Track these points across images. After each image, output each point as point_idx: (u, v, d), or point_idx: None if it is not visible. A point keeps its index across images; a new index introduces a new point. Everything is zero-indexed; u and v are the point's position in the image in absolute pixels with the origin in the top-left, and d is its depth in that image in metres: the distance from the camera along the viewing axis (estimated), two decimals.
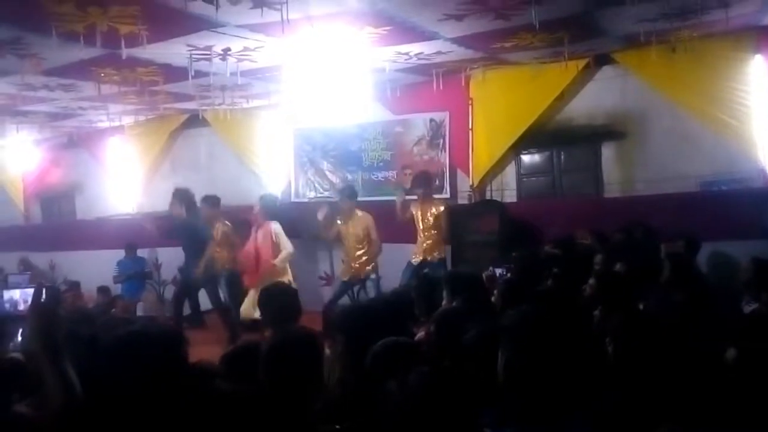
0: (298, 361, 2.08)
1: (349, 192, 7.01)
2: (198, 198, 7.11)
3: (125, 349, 1.90)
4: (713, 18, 5.70)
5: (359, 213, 6.83)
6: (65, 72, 6.45)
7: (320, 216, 6.86)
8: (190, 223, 6.94)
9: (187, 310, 7.56)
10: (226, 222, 7.19)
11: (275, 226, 6.69)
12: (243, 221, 7.28)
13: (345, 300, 6.93)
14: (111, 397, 1.80)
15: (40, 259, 10.38)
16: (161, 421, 1.68)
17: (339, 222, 6.88)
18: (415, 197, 6.88)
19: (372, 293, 6.77)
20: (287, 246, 6.62)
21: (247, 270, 6.82)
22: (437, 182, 8.12)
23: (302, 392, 2.02)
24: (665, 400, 2.11)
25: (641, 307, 3.57)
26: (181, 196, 7.02)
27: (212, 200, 7.17)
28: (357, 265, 6.83)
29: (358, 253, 6.83)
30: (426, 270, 6.44)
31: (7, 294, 4.53)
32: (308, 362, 2.10)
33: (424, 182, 6.92)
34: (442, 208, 6.76)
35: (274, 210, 6.93)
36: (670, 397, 2.12)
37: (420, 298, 3.58)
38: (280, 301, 3.35)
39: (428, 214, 6.73)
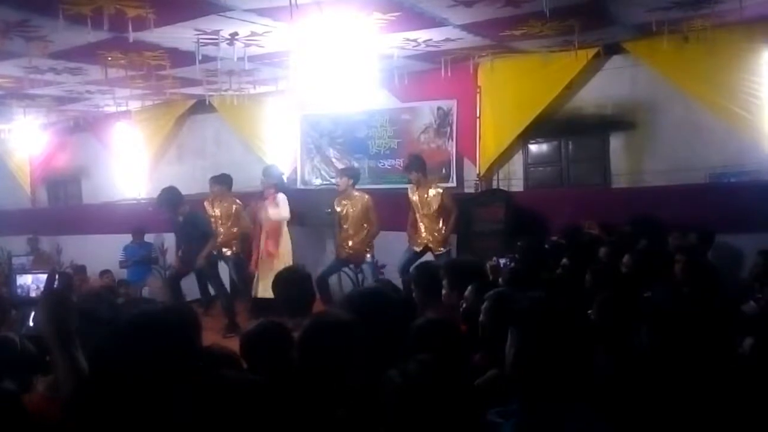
0: (336, 345, 2.07)
1: (350, 172, 7.00)
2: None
3: (137, 331, 1.90)
4: (727, 8, 5.63)
5: (357, 193, 6.83)
6: (72, 55, 6.43)
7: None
8: (185, 221, 6.90)
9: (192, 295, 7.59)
10: (237, 200, 7.26)
11: (280, 196, 6.78)
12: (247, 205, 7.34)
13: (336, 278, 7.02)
14: (121, 380, 1.80)
15: (47, 243, 10.42)
16: (169, 406, 1.67)
17: (336, 202, 6.89)
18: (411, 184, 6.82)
19: (369, 277, 6.81)
20: (286, 212, 6.74)
21: (256, 247, 6.91)
22: (444, 170, 8.10)
23: (334, 378, 2.01)
24: (676, 391, 2.10)
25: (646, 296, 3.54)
26: (163, 200, 6.94)
27: (223, 179, 7.25)
28: (354, 245, 6.81)
29: (356, 232, 6.82)
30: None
31: (20, 279, 4.53)
32: (345, 347, 2.09)
33: (417, 165, 6.77)
34: (440, 190, 6.68)
35: (281, 180, 7.03)
36: (681, 388, 2.11)
37: (419, 288, 3.54)
38: (296, 287, 3.32)
39: (426, 198, 6.65)
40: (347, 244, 6.88)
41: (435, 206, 6.62)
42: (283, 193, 7.03)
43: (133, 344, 1.77)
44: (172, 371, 1.72)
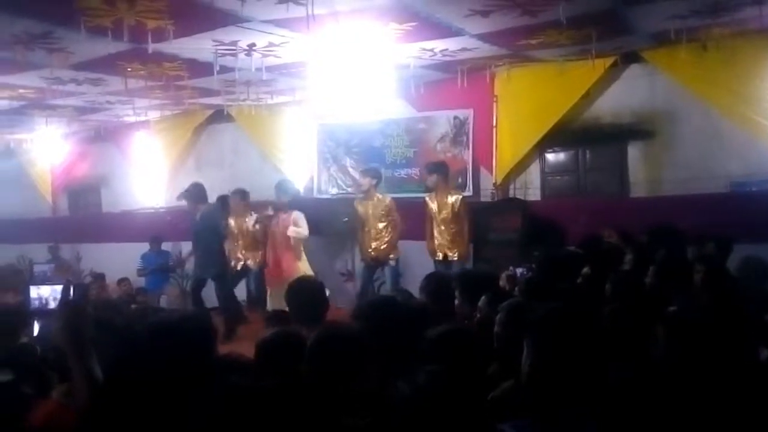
0: (344, 357, 2.06)
1: (373, 172, 6.95)
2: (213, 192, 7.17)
3: (152, 339, 1.91)
4: (746, 15, 5.58)
5: (379, 195, 6.79)
6: (93, 66, 6.53)
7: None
8: (201, 219, 6.92)
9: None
10: (253, 213, 7.29)
11: (296, 213, 6.71)
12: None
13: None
14: (135, 388, 1.81)
15: (67, 251, 10.56)
16: (184, 414, 1.68)
17: (358, 203, 6.84)
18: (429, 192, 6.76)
19: (389, 281, 6.75)
20: (305, 230, 6.66)
21: (271, 261, 6.87)
22: (460, 180, 8.08)
23: (342, 387, 2.01)
24: (693, 403, 2.06)
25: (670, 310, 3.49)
26: (186, 193, 6.90)
27: (242, 193, 7.30)
28: (377, 248, 6.77)
29: (379, 234, 6.77)
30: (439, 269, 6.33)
31: (36, 291, 4.55)
32: (354, 359, 2.08)
33: (440, 169, 6.72)
34: (459, 197, 6.62)
35: (296, 195, 7.02)
36: (699, 400, 2.07)
37: (432, 296, 3.52)
38: (308, 296, 3.32)
39: (445, 204, 6.59)
40: (371, 246, 6.81)
41: (452, 212, 6.57)
42: (297, 208, 6.98)
43: (148, 352, 1.79)
44: (187, 379, 1.73)
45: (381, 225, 6.77)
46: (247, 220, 7.34)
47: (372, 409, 1.99)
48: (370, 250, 6.82)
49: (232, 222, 7.40)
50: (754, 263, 4.43)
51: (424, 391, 1.75)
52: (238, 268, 7.40)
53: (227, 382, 1.61)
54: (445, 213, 6.59)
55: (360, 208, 6.85)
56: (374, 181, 6.80)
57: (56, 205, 12.30)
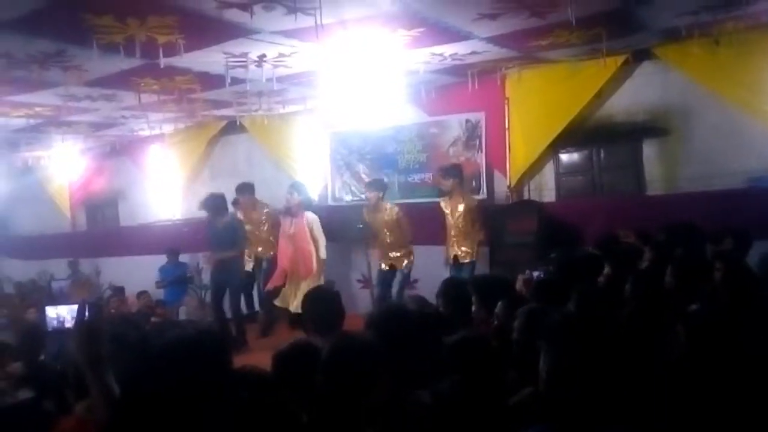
0: (359, 368, 2.06)
1: (377, 185, 7.03)
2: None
3: (167, 355, 1.92)
4: (759, 8, 5.51)
5: (387, 206, 6.87)
6: (107, 82, 6.61)
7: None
8: (222, 228, 6.99)
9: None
10: (266, 205, 7.41)
11: (311, 216, 6.84)
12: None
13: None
14: (152, 404, 1.82)
15: (86, 265, 10.67)
16: (198, 429, 1.69)
17: (367, 215, 6.92)
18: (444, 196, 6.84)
19: (397, 286, 6.80)
20: (322, 237, 6.85)
21: (282, 259, 6.96)
22: (474, 183, 8.06)
23: (357, 398, 2.00)
24: (717, 410, 2.03)
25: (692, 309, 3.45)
26: (207, 204, 7.04)
27: (247, 187, 7.50)
28: (394, 255, 6.90)
29: (391, 244, 6.88)
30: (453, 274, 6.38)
31: (54, 310, 4.59)
32: (369, 369, 2.08)
33: (452, 173, 6.80)
34: (474, 203, 6.68)
35: (308, 199, 7.12)
36: (722, 407, 2.04)
37: (449, 302, 3.50)
38: (325, 305, 3.32)
39: (458, 207, 6.66)
40: (389, 255, 6.95)
41: (464, 215, 6.62)
42: (309, 210, 7.12)
43: (163, 368, 1.80)
44: (202, 394, 1.74)
45: (392, 233, 6.86)
46: (257, 213, 7.48)
47: (387, 418, 1.98)
48: (389, 258, 6.96)
49: (242, 217, 7.52)
50: None
51: (446, 399, 1.75)
52: (250, 268, 7.49)
53: (239, 397, 1.62)
54: (458, 216, 6.66)
55: (369, 219, 6.94)
56: (380, 194, 6.95)
57: (75, 220, 12.44)
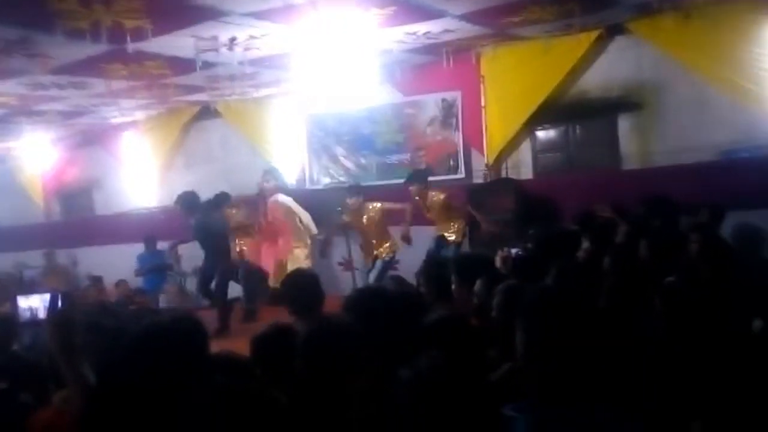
0: (337, 351, 2.05)
1: (357, 190, 7.04)
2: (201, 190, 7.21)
3: (143, 343, 1.90)
4: None
5: (370, 206, 6.84)
6: (74, 69, 6.47)
7: None
8: (202, 222, 6.94)
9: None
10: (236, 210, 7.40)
11: (284, 197, 6.84)
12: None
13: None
14: (127, 392, 1.81)
15: (63, 256, 10.52)
16: (175, 416, 1.67)
17: (352, 218, 6.91)
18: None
19: (377, 271, 6.82)
20: (304, 213, 6.96)
21: (266, 241, 6.97)
22: (451, 162, 8.06)
23: (339, 381, 2.00)
24: (696, 384, 2.06)
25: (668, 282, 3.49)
26: (182, 201, 6.98)
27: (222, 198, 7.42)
28: (382, 251, 6.92)
29: (380, 241, 6.91)
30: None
31: (26, 301, 4.49)
32: (347, 352, 2.07)
33: (415, 178, 6.84)
34: (441, 197, 6.67)
35: (284, 183, 7.14)
36: (701, 380, 2.07)
37: (429, 281, 3.50)
38: (304, 288, 3.31)
39: (433, 204, 6.70)
40: (373, 252, 6.97)
41: (441, 208, 6.67)
42: (282, 194, 7.14)
43: (139, 356, 1.78)
44: (179, 381, 1.73)
45: (380, 232, 6.90)
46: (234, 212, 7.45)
47: (370, 400, 1.98)
48: (371, 254, 6.99)
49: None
50: (748, 231, 4.42)
51: (426, 376, 1.75)
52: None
53: (215, 383, 1.61)
54: (434, 210, 6.70)
55: (354, 222, 6.92)
56: (361, 198, 6.89)
57: (49, 210, 12.25)
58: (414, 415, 1.75)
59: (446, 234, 6.75)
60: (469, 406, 1.76)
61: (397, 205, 6.85)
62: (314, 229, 7.08)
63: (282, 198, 7.05)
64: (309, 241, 7.32)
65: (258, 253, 7.62)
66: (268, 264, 7.53)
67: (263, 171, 7.17)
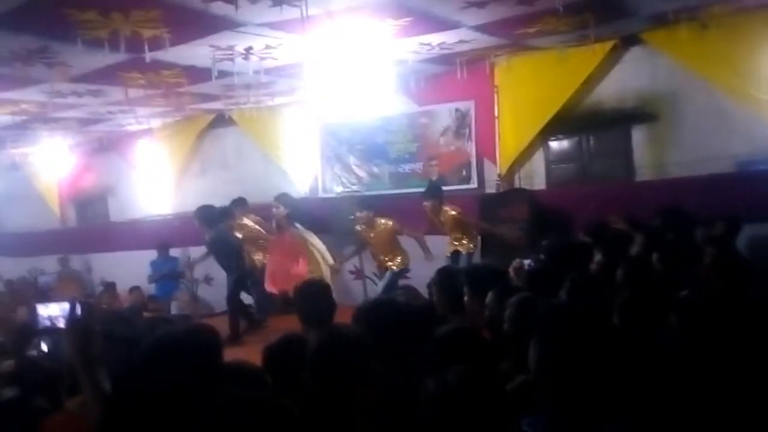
0: (346, 362, 2.05)
1: (367, 202, 6.96)
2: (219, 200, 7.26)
3: (158, 353, 1.92)
4: None
5: (381, 221, 6.77)
6: (92, 78, 6.55)
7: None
8: (218, 236, 6.98)
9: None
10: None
11: (301, 230, 6.84)
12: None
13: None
14: (143, 402, 1.82)
15: (77, 262, 10.62)
16: (188, 426, 1.68)
17: (363, 233, 6.88)
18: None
19: (385, 281, 6.79)
20: (321, 245, 6.93)
21: (278, 278, 6.92)
22: (464, 172, 8.06)
23: (348, 392, 2.00)
24: (711, 398, 2.04)
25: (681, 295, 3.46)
26: (200, 215, 6.99)
27: (239, 202, 7.50)
28: (393, 264, 6.89)
29: (390, 257, 6.87)
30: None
31: (45, 309, 4.54)
32: (357, 363, 2.07)
33: (433, 192, 6.78)
34: (454, 213, 6.60)
35: (296, 208, 7.10)
36: (716, 395, 2.05)
37: (441, 292, 3.49)
38: (316, 299, 3.32)
39: (447, 219, 6.65)
40: (386, 263, 6.94)
41: (453, 225, 6.65)
42: (298, 217, 7.09)
43: (154, 367, 1.79)
44: (193, 390, 1.74)
45: (390, 247, 6.84)
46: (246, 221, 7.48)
47: (379, 411, 1.98)
48: (383, 265, 6.99)
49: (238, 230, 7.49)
50: (762, 243, 4.38)
51: (454, 389, 1.74)
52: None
53: (230, 392, 1.62)
54: (448, 225, 6.67)
55: (365, 235, 6.88)
56: (371, 212, 6.79)
57: (64, 216, 12.36)
58: (439, 429, 1.75)
59: (459, 246, 6.71)
60: (492, 420, 1.76)
61: (409, 231, 6.80)
62: (330, 260, 7.03)
63: (296, 233, 7.00)
64: (328, 271, 7.13)
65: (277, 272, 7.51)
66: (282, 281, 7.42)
67: (274, 198, 7.11)
